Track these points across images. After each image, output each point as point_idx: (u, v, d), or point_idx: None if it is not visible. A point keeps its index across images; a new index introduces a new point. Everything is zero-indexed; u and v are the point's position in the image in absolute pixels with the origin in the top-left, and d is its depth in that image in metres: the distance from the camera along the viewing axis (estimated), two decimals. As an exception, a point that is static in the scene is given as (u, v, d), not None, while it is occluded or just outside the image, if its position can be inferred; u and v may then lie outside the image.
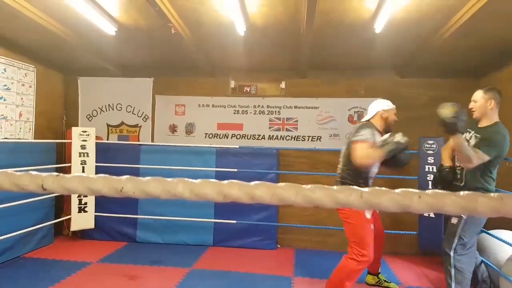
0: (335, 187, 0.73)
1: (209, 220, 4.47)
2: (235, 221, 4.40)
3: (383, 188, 0.72)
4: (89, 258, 3.89)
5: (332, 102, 4.67)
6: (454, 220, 2.83)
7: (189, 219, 4.45)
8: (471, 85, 4.45)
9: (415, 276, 3.71)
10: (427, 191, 0.68)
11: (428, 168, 4.06)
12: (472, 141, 2.78)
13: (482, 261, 3.19)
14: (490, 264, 3.14)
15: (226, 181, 0.80)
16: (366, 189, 0.71)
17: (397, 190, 0.70)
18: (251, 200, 0.75)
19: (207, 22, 3.47)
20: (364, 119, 3.08)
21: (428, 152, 4.07)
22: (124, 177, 0.82)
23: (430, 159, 4.05)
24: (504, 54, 3.76)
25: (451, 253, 2.81)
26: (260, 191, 0.75)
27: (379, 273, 3.45)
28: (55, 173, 0.84)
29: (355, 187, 0.72)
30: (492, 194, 0.65)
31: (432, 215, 3.98)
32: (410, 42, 3.74)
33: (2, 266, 3.58)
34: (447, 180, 2.95)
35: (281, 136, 4.77)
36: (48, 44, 4.07)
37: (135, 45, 4.15)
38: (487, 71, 4.21)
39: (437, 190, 0.68)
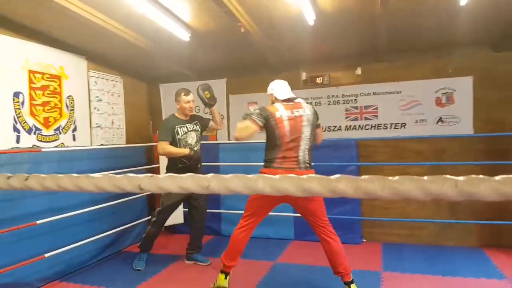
0: (425, 177, 0.67)
1: (288, 214, 4.46)
2: (316, 215, 4.33)
3: (480, 176, 0.64)
4: (181, 251, 4.12)
5: (416, 84, 4.34)
6: None
7: (270, 213, 4.47)
8: None
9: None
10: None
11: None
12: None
13: None
14: None
15: (305, 176, 0.78)
16: (461, 178, 0.64)
17: (497, 177, 0.62)
18: (332, 194, 0.71)
19: (276, 16, 3.45)
20: (292, 96, 2.97)
21: (533, 132, 3.58)
22: (210, 175, 0.85)
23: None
24: None
25: None
26: (342, 184, 0.71)
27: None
28: (150, 174, 0.92)
29: (448, 176, 0.66)
30: None
31: (542, 203, 3.50)
32: (503, 11, 3.31)
33: (107, 259, 3.97)
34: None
35: (359, 125, 4.57)
36: (132, 55, 4.41)
37: (207, 48, 4.30)
38: None
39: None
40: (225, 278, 3.04)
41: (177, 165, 3.53)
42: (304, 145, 2.80)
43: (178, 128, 3.64)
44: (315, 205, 2.80)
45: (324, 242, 2.90)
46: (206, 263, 3.79)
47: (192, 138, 3.69)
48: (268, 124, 2.81)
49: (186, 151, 3.54)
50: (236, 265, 3.07)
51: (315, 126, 2.90)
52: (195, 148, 3.67)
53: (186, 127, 3.69)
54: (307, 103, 3.01)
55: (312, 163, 2.90)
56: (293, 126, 2.79)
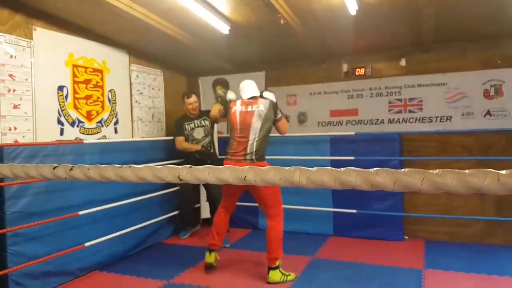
0: (466, 170, 0.63)
1: (328, 209, 4.41)
2: (355, 211, 4.25)
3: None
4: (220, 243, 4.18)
5: (463, 76, 4.12)
6: None
7: (308, 208, 4.45)
8: None
9: None
10: None
11: None
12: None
13: None
14: None
15: (343, 168, 0.76)
16: (503, 172, 0.61)
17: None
18: (371, 187, 0.69)
19: (316, 7, 3.39)
20: (253, 95, 3.26)
21: None
22: (246, 167, 0.86)
23: None
24: None
25: None
26: (381, 177, 0.69)
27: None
28: (189, 166, 0.94)
29: (490, 169, 0.62)
30: None
31: None
32: None
33: (146, 250, 4.10)
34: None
35: (403, 118, 4.41)
36: (172, 49, 4.50)
37: (247, 41, 4.31)
38: None
39: None
40: (210, 254, 3.41)
41: (190, 159, 4.11)
42: (252, 138, 3.12)
43: (186, 125, 4.28)
44: (266, 196, 3.16)
45: (267, 228, 3.25)
46: (225, 245, 4.05)
47: (198, 133, 4.28)
48: (227, 117, 3.30)
49: (198, 147, 4.19)
50: (216, 243, 3.40)
51: (271, 120, 3.18)
52: (202, 142, 4.25)
53: (194, 123, 4.29)
54: (266, 98, 3.27)
55: (266, 156, 3.25)
56: (243, 120, 3.17)
